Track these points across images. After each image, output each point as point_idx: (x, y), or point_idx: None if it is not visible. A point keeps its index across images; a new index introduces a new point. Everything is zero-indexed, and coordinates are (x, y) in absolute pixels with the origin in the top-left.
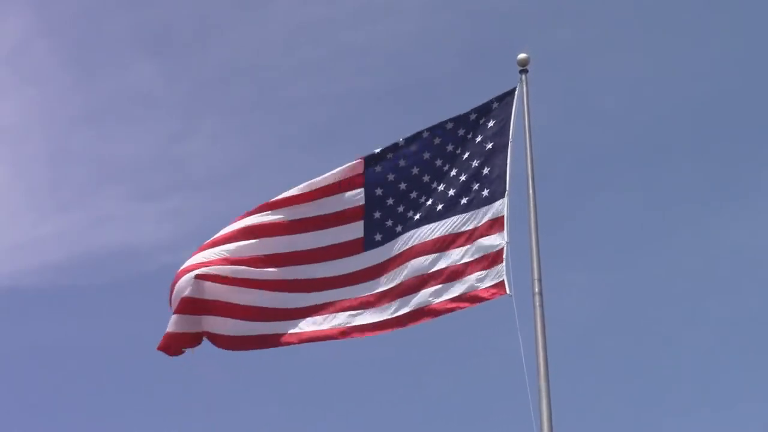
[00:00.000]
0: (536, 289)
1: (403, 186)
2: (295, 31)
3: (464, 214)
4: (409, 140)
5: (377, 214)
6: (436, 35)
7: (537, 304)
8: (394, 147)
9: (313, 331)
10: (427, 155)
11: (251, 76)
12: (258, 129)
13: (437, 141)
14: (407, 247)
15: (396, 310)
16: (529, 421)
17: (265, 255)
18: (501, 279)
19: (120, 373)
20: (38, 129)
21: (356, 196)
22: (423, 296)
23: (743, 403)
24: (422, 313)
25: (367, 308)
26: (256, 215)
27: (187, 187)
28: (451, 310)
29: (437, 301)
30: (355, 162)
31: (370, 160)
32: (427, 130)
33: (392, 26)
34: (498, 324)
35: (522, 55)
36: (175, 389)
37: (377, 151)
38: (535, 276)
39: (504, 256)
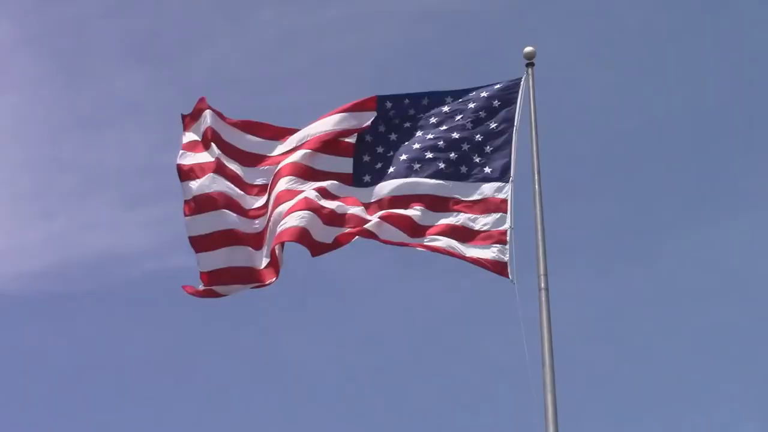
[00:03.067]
0: (542, 285)
1: (393, 137)
2: (280, 41)
3: (465, 182)
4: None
5: (366, 158)
6: (425, 43)
7: (543, 299)
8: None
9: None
10: (415, 112)
11: (236, 85)
12: None
13: (424, 101)
14: (409, 193)
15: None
16: (534, 416)
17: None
18: (505, 260)
19: (105, 379)
20: (24, 136)
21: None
22: (429, 239)
23: (748, 401)
24: (431, 247)
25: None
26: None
27: (172, 194)
28: (455, 256)
29: (445, 247)
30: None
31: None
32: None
33: (379, 34)
34: (502, 318)
35: (528, 48)
36: (163, 395)
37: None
38: (541, 271)
39: (508, 240)
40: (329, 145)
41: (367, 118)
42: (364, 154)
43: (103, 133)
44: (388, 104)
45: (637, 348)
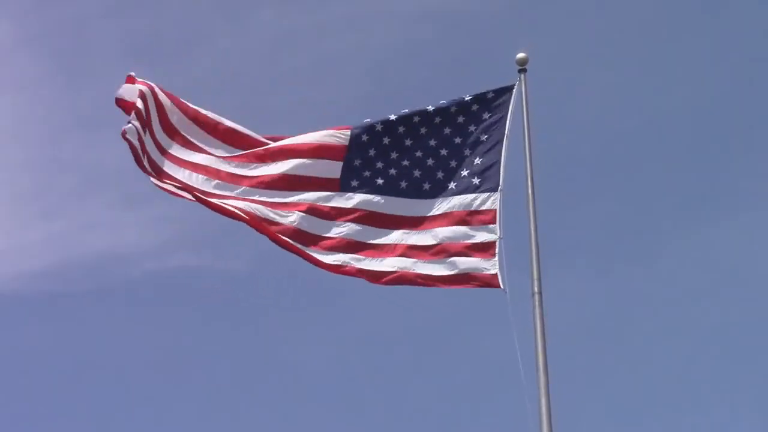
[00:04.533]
0: (535, 289)
1: (386, 140)
2: (280, 40)
3: (454, 198)
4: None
5: (357, 162)
6: (423, 44)
7: (536, 303)
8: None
9: (287, 242)
10: (416, 119)
11: (236, 85)
12: None
13: (430, 109)
14: (393, 213)
15: (387, 265)
16: (527, 422)
17: (238, 174)
18: (495, 272)
19: (105, 379)
20: (24, 136)
21: (341, 136)
22: (415, 265)
23: (748, 401)
24: (413, 278)
25: (353, 253)
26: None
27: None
28: (443, 285)
29: (432, 273)
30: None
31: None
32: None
33: (378, 35)
34: (495, 324)
35: (521, 55)
36: (163, 395)
37: (367, 120)
38: (534, 276)
39: (497, 251)
40: (316, 149)
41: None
42: (357, 158)
43: (103, 133)
44: (364, 137)
45: (637, 348)
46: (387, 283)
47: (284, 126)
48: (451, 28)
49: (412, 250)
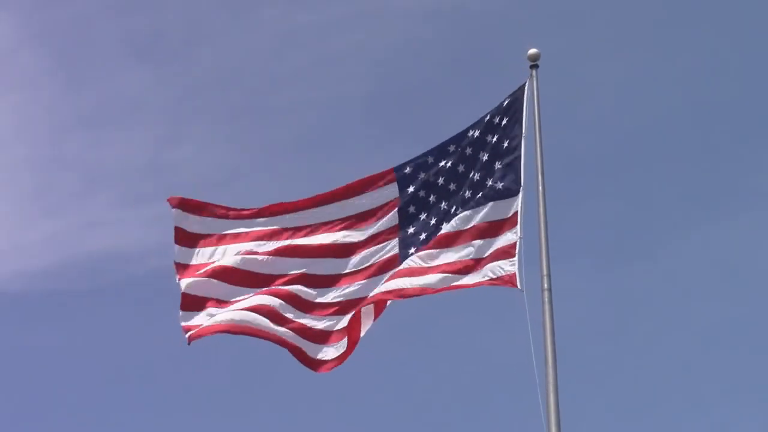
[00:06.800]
0: (545, 285)
1: (432, 198)
2: (283, 39)
3: (477, 209)
4: (436, 156)
5: (411, 230)
6: (426, 43)
7: (546, 299)
8: (424, 164)
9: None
10: (449, 164)
11: (240, 83)
12: (246, 135)
13: (452, 148)
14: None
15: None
16: (538, 417)
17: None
18: (513, 272)
19: (104, 378)
20: (26, 135)
21: (392, 217)
22: (433, 279)
23: (750, 399)
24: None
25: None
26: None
27: (175, 192)
28: (464, 287)
29: (458, 284)
30: (387, 176)
31: (400, 176)
32: (452, 143)
33: (381, 33)
34: (507, 320)
35: (532, 51)
36: (164, 394)
37: (408, 170)
38: (544, 272)
39: (517, 251)
40: (370, 240)
41: (390, 193)
42: (409, 227)
43: (106, 132)
44: (408, 170)
45: (639, 346)
46: (407, 296)
47: (286, 125)
48: (454, 28)
49: (445, 266)
